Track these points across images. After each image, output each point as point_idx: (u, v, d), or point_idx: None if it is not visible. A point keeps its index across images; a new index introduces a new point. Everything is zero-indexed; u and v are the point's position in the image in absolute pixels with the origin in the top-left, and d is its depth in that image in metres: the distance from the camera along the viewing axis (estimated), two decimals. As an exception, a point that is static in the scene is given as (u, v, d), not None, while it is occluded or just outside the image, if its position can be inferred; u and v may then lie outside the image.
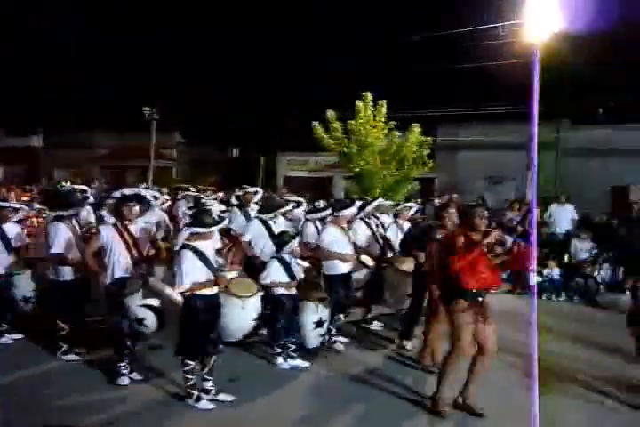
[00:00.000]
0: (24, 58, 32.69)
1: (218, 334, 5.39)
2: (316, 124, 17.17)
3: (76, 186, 10.83)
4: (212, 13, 37.54)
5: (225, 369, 5.54)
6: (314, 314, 6.32)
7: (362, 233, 8.14)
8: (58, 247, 6.13)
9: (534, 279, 4.23)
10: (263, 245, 7.20)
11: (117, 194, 5.93)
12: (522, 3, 4.46)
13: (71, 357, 6.24)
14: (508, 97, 20.08)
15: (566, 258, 11.63)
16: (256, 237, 7.36)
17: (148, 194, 7.34)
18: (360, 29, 33.21)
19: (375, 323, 8.02)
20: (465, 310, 4.96)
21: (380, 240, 8.23)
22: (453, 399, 5.20)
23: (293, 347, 6.27)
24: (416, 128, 17.10)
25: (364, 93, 16.94)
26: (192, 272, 5.01)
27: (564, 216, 12.96)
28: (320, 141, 17.37)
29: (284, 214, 7.87)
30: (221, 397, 5.26)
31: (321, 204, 8.15)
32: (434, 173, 20.95)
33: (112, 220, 5.90)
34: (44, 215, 9.92)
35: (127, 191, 5.99)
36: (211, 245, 5.38)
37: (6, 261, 6.79)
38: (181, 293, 5.12)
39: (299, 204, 9.38)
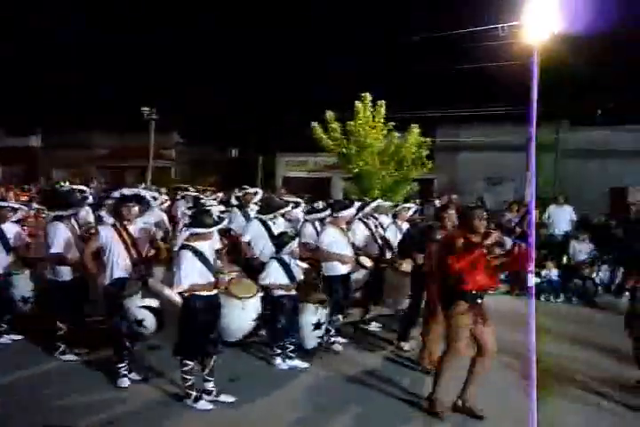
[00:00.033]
0: (24, 58, 32.72)
1: (218, 334, 5.39)
2: (315, 124, 17.19)
3: (74, 186, 10.82)
4: (211, 14, 37.52)
5: (224, 369, 5.54)
6: (313, 315, 6.32)
7: (360, 233, 8.16)
8: (57, 247, 6.13)
9: (532, 280, 4.25)
10: (263, 246, 7.21)
11: (117, 194, 5.91)
12: (521, 4, 4.47)
13: (69, 357, 6.24)
14: (507, 98, 20.14)
15: (565, 259, 11.65)
16: (256, 237, 7.37)
17: (147, 194, 7.34)
18: (359, 30, 33.29)
19: (374, 324, 8.02)
20: (464, 311, 4.97)
21: (379, 241, 8.24)
22: (453, 403, 5.18)
23: (292, 347, 6.28)
24: (415, 129, 17.12)
25: (363, 94, 16.97)
26: (191, 273, 5.01)
27: (562, 217, 12.97)
28: (319, 142, 17.39)
29: (283, 215, 7.88)
30: (222, 398, 5.26)
31: (320, 205, 8.15)
32: (433, 173, 20.97)
33: (111, 220, 5.88)
34: (42, 215, 9.93)
35: (127, 192, 5.98)
36: (210, 246, 5.38)
37: (5, 261, 6.77)
38: (180, 293, 5.13)
39: (297, 204, 9.40)
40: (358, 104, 16.86)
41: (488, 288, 5.19)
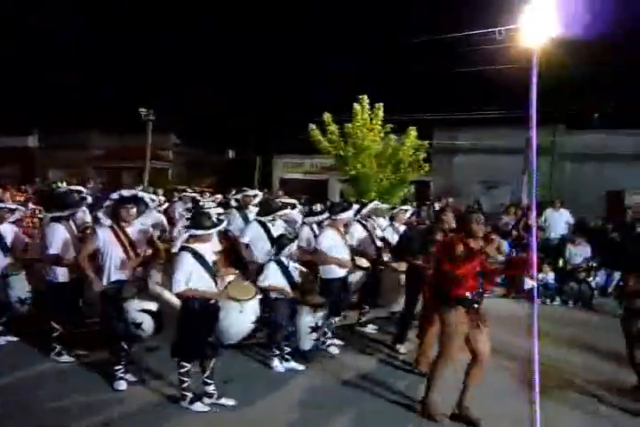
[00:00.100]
0: (23, 58, 32.65)
1: (217, 337, 5.38)
2: (312, 126, 17.21)
3: (71, 186, 10.78)
4: (211, 14, 37.52)
5: (220, 371, 5.53)
6: (310, 318, 6.33)
7: (358, 235, 8.17)
8: (55, 249, 6.11)
9: (529, 284, 4.25)
10: (262, 248, 7.21)
11: (115, 196, 5.90)
12: (519, 7, 4.50)
13: (64, 358, 6.22)
14: (504, 101, 20.16)
15: (561, 263, 11.67)
16: (255, 239, 7.37)
17: (146, 196, 7.32)
18: (358, 31, 33.35)
19: (370, 326, 8.02)
20: (462, 318, 4.94)
21: (377, 242, 8.25)
22: (451, 413, 5.13)
23: (289, 350, 6.27)
24: (412, 132, 17.13)
25: (360, 96, 17.00)
26: (190, 275, 5.01)
27: (559, 221, 13.02)
28: (316, 144, 17.39)
29: (281, 217, 7.88)
30: (223, 401, 5.25)
31: (318, 207, 8.16)
32: (430, 176, 21.00)
33: (108, 222, 5.84)
34: (38, 216, 9.91)
35: (125, 193, 5.96)
36: (209, 248, 5.37)
37: (2, 263, 6.75)
38: (178, 295, 5.13)
39: (293, 206, 9.42)
40: (356, 106, 16.89)
41: (485, 292, 5.19)
